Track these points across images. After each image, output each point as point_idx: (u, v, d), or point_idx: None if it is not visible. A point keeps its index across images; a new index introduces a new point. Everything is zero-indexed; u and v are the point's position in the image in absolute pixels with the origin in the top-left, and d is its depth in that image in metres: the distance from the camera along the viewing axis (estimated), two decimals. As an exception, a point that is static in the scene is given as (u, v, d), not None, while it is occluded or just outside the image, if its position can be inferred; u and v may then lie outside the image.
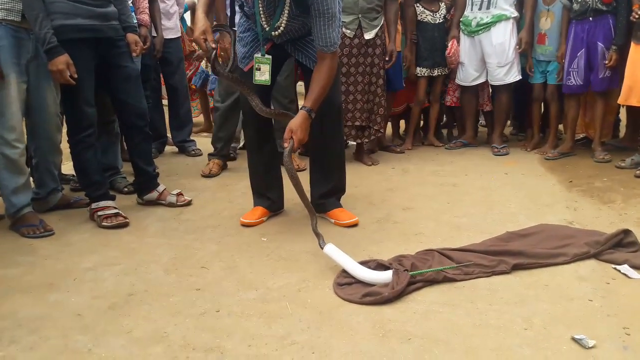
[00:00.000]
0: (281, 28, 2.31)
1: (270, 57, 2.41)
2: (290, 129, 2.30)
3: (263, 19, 2.31)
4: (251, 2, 2.29)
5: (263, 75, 2.42)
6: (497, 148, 4.10)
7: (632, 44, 3.35)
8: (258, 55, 2.41)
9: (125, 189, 3.20)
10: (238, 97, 3.65)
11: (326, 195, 2.70)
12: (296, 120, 2.31)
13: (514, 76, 4.02)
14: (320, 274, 2.08)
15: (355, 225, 2.60)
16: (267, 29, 2.33)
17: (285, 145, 2.30)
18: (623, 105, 3.87)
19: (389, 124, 4.58)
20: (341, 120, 2.68)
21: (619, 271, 2.04)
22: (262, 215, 2.69)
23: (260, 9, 2.28)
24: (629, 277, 2.00)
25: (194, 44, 3.63)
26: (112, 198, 2.80)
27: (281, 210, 2.82)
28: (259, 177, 2.73)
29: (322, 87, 2.32)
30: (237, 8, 2.52)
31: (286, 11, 2.27)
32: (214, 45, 2.27)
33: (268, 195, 2.73)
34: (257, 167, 2.71)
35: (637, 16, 3.27)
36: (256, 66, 2.41)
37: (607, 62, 3.54)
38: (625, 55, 3.43)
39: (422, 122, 4.70)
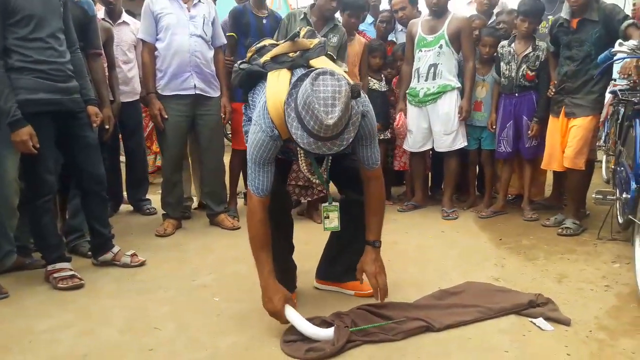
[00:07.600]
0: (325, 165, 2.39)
1: (337, 204, 2.42)
2: (371, 273, 2.27)
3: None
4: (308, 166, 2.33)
5: (332, 222, 2.43)
6: (447, 212, 4.21)
7: (550, 117, 3.77)
8: (326, 204, 2.43)
9: (89, 253, 3.18)
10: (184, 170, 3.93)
11: (346, 266, 2.58)
12: (368, 261, 2.29)
13: (460, 143, 4.22)
14: (268, 332, 2.23)
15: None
16: (325, 176, 2.39)
17: (380, 296, 2.30)
18: (551, 168, 4.25)
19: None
20: None
21: (535, 324, 2.29)
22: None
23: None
24: (542, 329, 2.25)
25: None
26: (68, 260, 2.89)
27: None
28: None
29: (381, 210, 2.33)
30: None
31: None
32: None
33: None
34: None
35: (552, 92, 3.71)
36: (324, 215, 2.42)
37: (530, 132, 3.96)
38: (547, 126, 3.84)
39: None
